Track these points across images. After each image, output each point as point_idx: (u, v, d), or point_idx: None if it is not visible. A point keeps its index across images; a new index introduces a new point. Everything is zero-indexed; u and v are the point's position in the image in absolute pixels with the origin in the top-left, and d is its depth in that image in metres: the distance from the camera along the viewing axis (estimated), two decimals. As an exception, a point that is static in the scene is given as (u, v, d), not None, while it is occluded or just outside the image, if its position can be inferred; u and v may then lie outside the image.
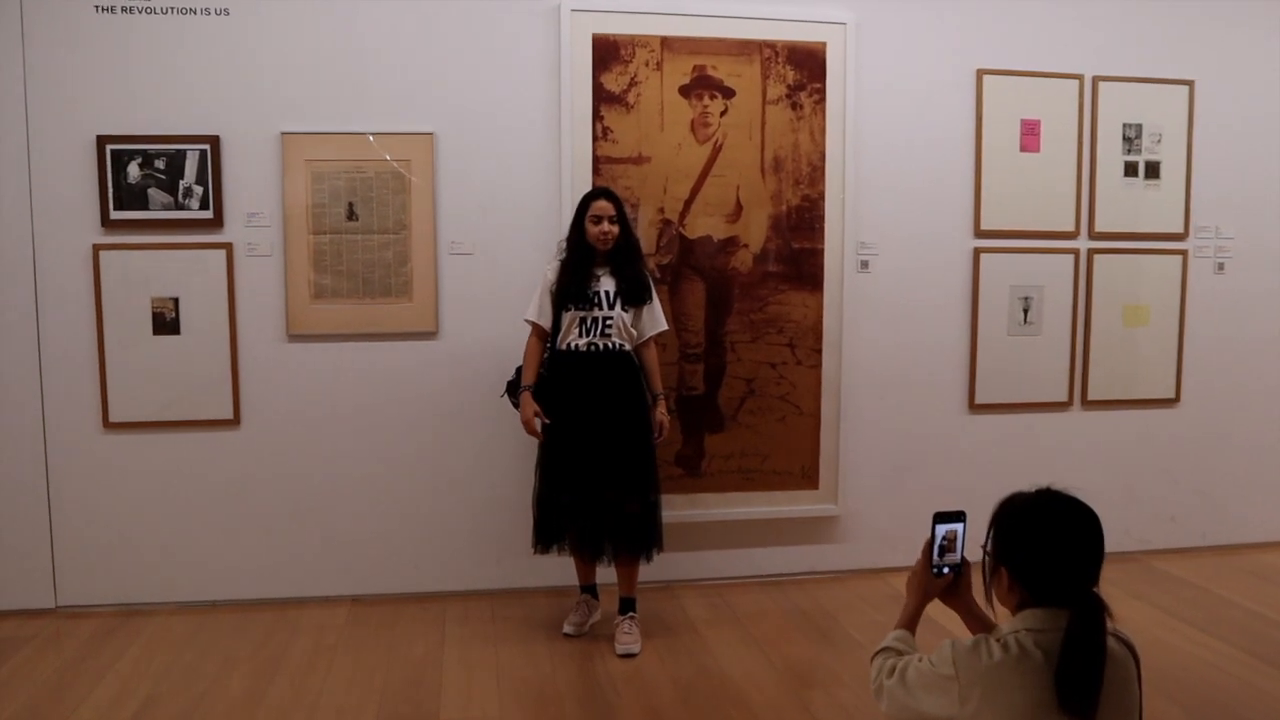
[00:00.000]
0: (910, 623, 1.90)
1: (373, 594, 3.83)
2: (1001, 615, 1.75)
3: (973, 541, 1.84)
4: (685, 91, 3.80)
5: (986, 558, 1.71)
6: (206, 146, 3.57)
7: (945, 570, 1.87)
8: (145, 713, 2.91)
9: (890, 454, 4.14)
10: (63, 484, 3.64)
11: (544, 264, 3.46)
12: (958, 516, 1.87)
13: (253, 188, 3.63)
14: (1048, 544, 1.64)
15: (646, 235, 3.79)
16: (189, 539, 3.72)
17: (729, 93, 3.82)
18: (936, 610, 1.98)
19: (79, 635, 3.47)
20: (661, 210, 3.82)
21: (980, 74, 4.05)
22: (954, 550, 1.87)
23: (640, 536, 3.39)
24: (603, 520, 3.34)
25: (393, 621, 3.62)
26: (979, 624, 1.88)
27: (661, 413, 3.44)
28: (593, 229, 3.30)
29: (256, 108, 3.61)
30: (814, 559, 4.12)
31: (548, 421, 3.32)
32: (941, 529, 1.86)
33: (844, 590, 3.99)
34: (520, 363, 3.44)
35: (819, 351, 3.97)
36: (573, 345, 3.34)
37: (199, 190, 3.58)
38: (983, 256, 4.12)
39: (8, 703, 2.97)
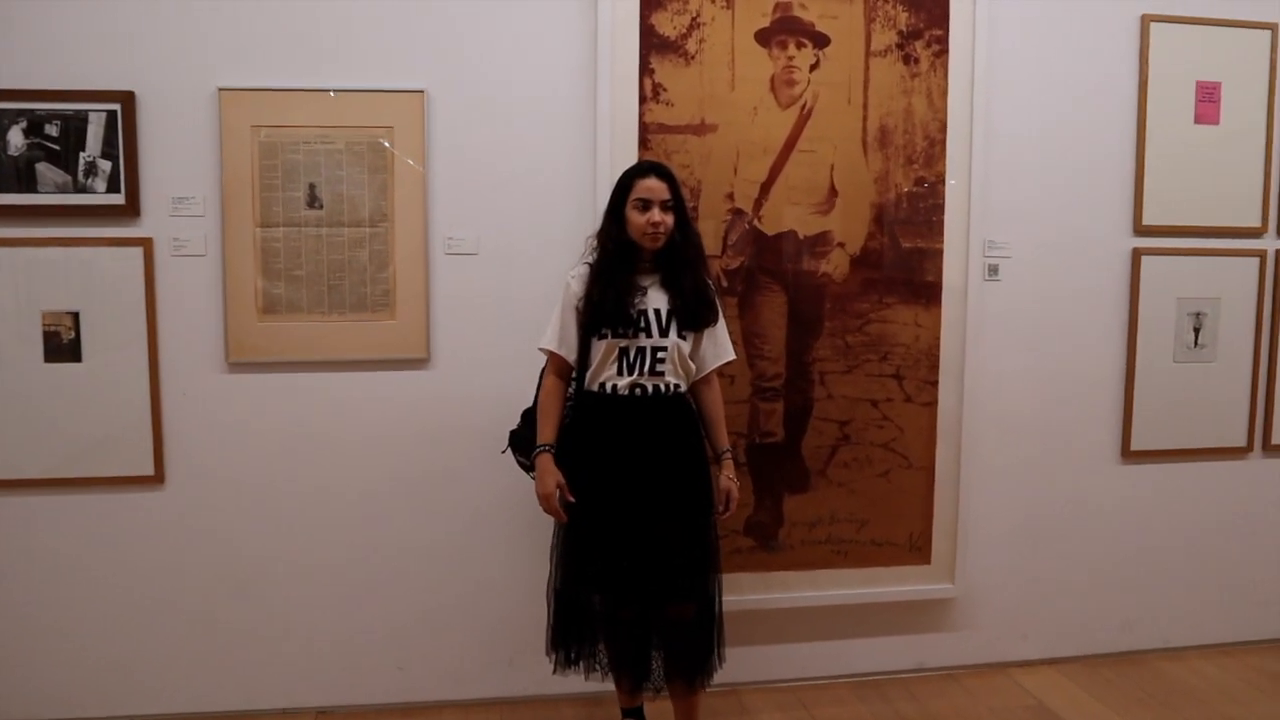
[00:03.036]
0: None
1: (344, 706, 2.91)
2: None
3: None
4: (764, 38, 2.84)
5: None
6: (117, 106, 2.64)
7: None
8: None
9: (1023, 516, 3.19)
10: (-73, 561, 2.73)
11: (570, 269, 2.51)
12: None
13: (180, 163, 2.70)
14: None
15: (710, 230, 2.84)
16: (100, 635, 2.80)
17: (821, 40, 2.86)
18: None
19: (-53, 766, 2.58)
20: (730, 197, 2.86)
21: (1146, 20, 3.09)
22: None
23: (698, 654, 2.45)
24: (648, 631, 2.41)
25: (367, 751, 2.69)
26: None
27: (728, 477, 2.49)
28: (638, 218, 2.36)
29: (185, 55, 2.68)
30: (923, 653, 3.17)
31: (572, 500, 2.38)
32: None
33: (962, 694, 3.06)
34: (530, 405, 2.52)
35: (934, 384, 3.01)
36: (610, 386, 2.39)
37: (106, 166, 2.65)
38: (1144, 260, 3.16)
39: None
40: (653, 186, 2.38)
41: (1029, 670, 3.21)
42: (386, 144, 2.72)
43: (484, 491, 2.87)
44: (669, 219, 2.39)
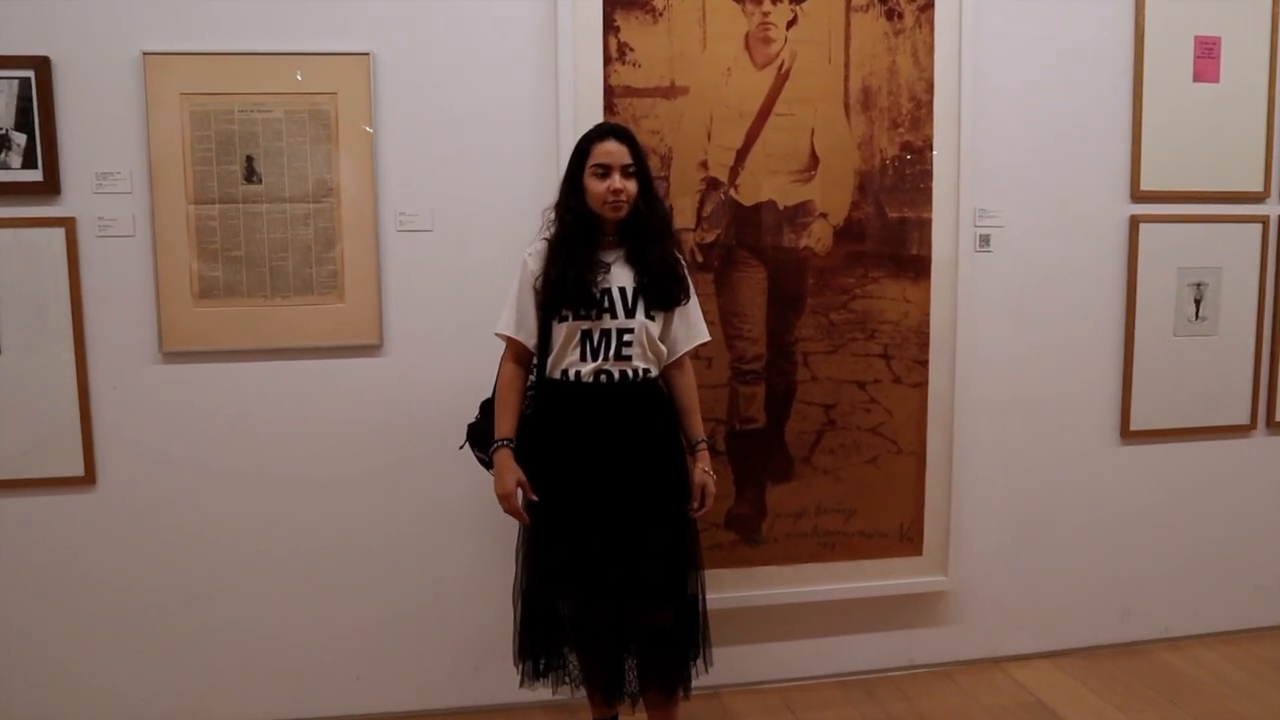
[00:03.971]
0: None
1: (297, 719, 2.69)
2: None
3: None
4: (737, -8, 2.64)
5: None
6: (30, 73, 2.41)
7: None
8: None
9: (1018, 502, 3.03)
10: None
11: (528, 245, 2.30)
12: None
13: (103, 135, 2.47)
14: None
15: (682, 201, 2.64)
16: (29, 647, 2.59)
17: (799, -6, 2.67)
18: None
19: None
20: (704, 165, 2.67)
21: (1142, -28, 2.91)
22: None
23: (676, 663, 2.27)
24: (622, 637, 2.24)
25: (321, 770, 2.50)
26: None
27: (703, 469, 2.29)
28: (598, 186, 2.16)
29: (105, 16, 2.45)
30: (915, 649, 3.01)
31: (534, 499, 2.19)
32: None
33: (956, 692, 2.90)
34: (489, 395, 2.32)
35: (924, 364, 2.83)
36: (573, 373, 2.19)
37: (20, 139, 2.42)
38: (1143, 228, 2.99)
39: None
40: (612, 150, 2.17)
41: (1025, 665, 3.05)
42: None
43: (446, 487, 2.67)
44: (631, 186, 2.18)
